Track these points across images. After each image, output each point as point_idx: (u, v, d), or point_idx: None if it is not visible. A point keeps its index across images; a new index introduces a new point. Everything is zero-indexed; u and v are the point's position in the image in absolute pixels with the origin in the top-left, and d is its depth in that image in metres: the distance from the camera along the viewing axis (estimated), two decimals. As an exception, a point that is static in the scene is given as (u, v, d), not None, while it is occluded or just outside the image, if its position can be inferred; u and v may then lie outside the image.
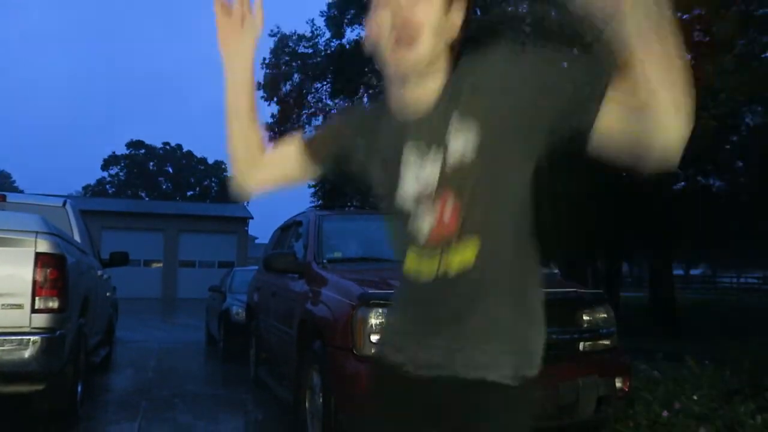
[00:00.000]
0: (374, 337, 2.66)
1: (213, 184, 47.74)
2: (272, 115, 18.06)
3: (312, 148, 1.17)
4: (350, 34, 16.63)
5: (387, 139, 1.08)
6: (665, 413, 3.29)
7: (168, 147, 47.19)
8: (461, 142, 0.97)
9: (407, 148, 1.03)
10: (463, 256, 0.99)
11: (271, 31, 17.24)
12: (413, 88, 1.01)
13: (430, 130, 1.00)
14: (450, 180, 0.98)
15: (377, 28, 0.99)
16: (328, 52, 16.47)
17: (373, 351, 1.31)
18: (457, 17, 1.00)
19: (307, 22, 17.31)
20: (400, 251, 1.09)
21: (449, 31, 1.00)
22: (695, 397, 3.39)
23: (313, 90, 17.70)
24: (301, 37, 17.17)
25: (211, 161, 47.87)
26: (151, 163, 46.65)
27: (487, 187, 0.97)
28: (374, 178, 1.13)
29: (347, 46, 16.34)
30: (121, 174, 46.01)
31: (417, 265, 1.04)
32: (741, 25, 6.30)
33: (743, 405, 3.24)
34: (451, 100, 0.99)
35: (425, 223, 1.02)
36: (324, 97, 18.01)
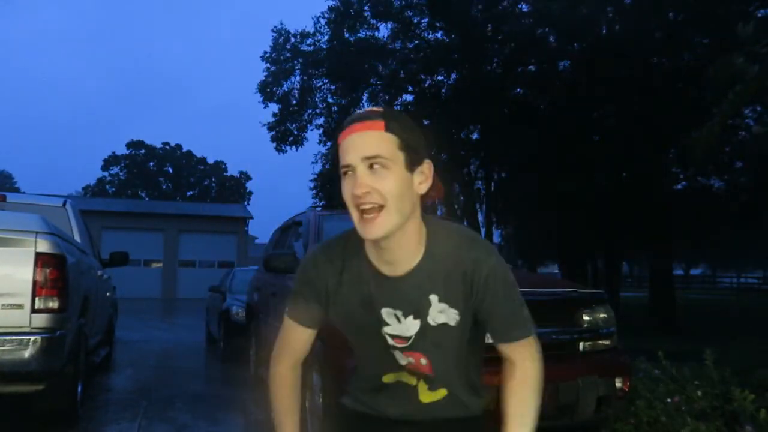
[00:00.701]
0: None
1: (213, 184, 47.75)
2: (274, 115, 18.05)
3: (309, 321, 1.33)
4: (350, 36, 16.63)
5: (356, 291, 1.23)
6: (668, 399, 3.28)
7: (168, 147, 47.19)
8: (441, 317, 1.20)
9: (384, 312, 1.21)
10: (435, 396, 1.28)
11: (275, 27, 17.22)
12: (386, 250, 1.17)
13: (406, 303, 1.20)
14: (425, 344, 1.22)
15: (345, 195, 1.12)
16: (330, 47, 16.45)
17: (346, 403, 1.43)
18: (425, 185, 1.16)
19: (312, 18, 17.30)
20: (375, 368, 1.31)
21: (415, 194, 1.15)
22: (698, 394, 3.39)
23: (315, 88, 17.68)
24: (304, 35, 17.14)
25: (210, 161, 47.92)
26: (151, 163, 46.64)
27: (455, 351, 1.24)
28: (339, 318, 1.29)
29: (348, 45, 16.33)
30: (121, 174, 46.00)
31: (398, 377, 1.29)
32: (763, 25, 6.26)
33: (746, 397, 3.23)
34: (427, 281, 1.18)
35: (402, 361, 1.26)
36: (327, 96, 18.00)
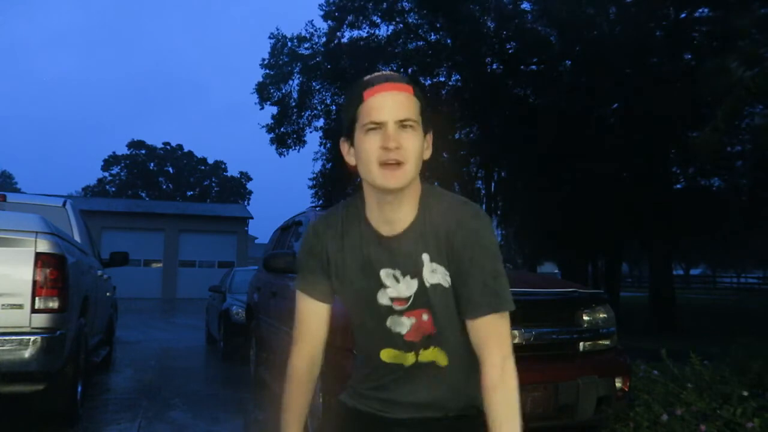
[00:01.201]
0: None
1: (213, 185, 47.74)
2: (273, 116, 18.06)
3: (320, 293, 1.33)
4: (349, 34, 16.62)
5: (356, 254, 1.26)
6: (664, 415, 3.28)
7: (168, 147, 47.18)
8: (434, 277, 1.22)
9: (383, 273, 1.24)
10: (437, 357, 1.28)
11: (271, 34, 17.26)
12: (390, 206, 1.21)
13: (403, 263, 1.23)
14: (424, 301, 1.23)
15: (367, 149, 1.16)
16: (328, 48, 16.43)
17: (345, 400, 1.42)
18: (428, 152, 1.23)
19: (306, 24, 17.33)
20: (373, 342, 1.31)
21: (422, 159, 1.20)
22: (695, 397, 3.39)
23: (314, 90, 17.68)
24: (301, 39, 17.16)
25: (211, 161, 47.91)
26: (152, 164, 46.63)
27: (453, 313, 1.24)
28: (340, 285, 1.30)
29: (347, 45, 16.32)
30: (121, 174, 45.99)
31: (395, 358, 1.29)
32: (756, 24, 6.26)
33: (742, 406, 3.24)
34: (420, 239, 1.22)
35: (402, 327, 1.26)
36: (326, 97, 18.01)
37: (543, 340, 2.95)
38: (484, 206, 18.82)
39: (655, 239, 12.99)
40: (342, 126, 1.23)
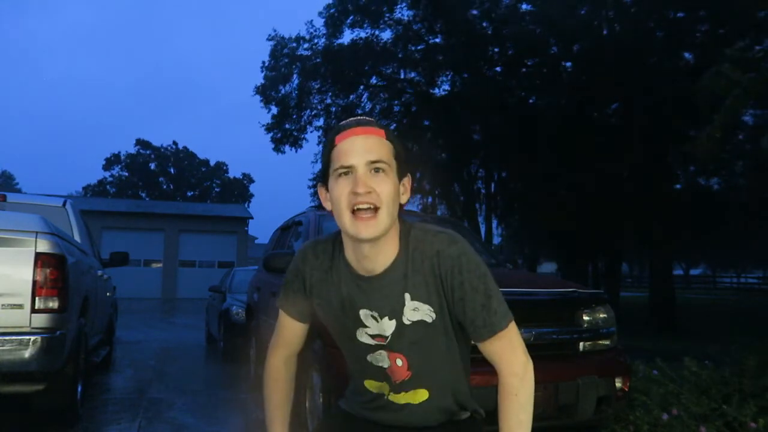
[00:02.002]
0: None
1: (214, 185, 47.71)
2: (273, 116, 18.05)
3: (298, 313, 1.36)
4: (349, 35, 16.61)
5: (337, 291, 1.27)
6: (665, 416, 3.28)
7: (171, 148, 47.12)
8: (416, 315, 1.21)
9: (362, 314, 1.25)
10: (418, 396, 1.28)
11: (269, 35, 17.25)
12: (367, 259, 1.20)
13: (382, 304, 1.22)
14: (402, 343, 1.24)
15: (338, 195, 1.15)
16: (327, 51, 16.41)
17: (343, 405, 1.44)
18: (406, 197, 1.22)
19: (305, 24, 17.33)
20: (357, 370, 1.34)
21: (398, 203, 1.19)
22: (695, 398, 3.39)
23: (314, 90, 17.66)
24: (299, 39, 17.15)
25: (212, 162, 47.85)
26: (153, 164, 46.59)
27: (435, 350, 1.25)
28: (323, 315, 1.33)
29: (345, 45, 16.31)
30: (122, 174, 45.94)
31: (379, 388, 1.31)
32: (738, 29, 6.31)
33: (743, 407, 3.24)
34: (401, 280, 1.20)
35: (384, 362, 1.27)
36: (326, 97, 17.98)
37: (543, 340, 2.95)
38: (484, 206, 18.83)
39: (655, 239, 12.99)
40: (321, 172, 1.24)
